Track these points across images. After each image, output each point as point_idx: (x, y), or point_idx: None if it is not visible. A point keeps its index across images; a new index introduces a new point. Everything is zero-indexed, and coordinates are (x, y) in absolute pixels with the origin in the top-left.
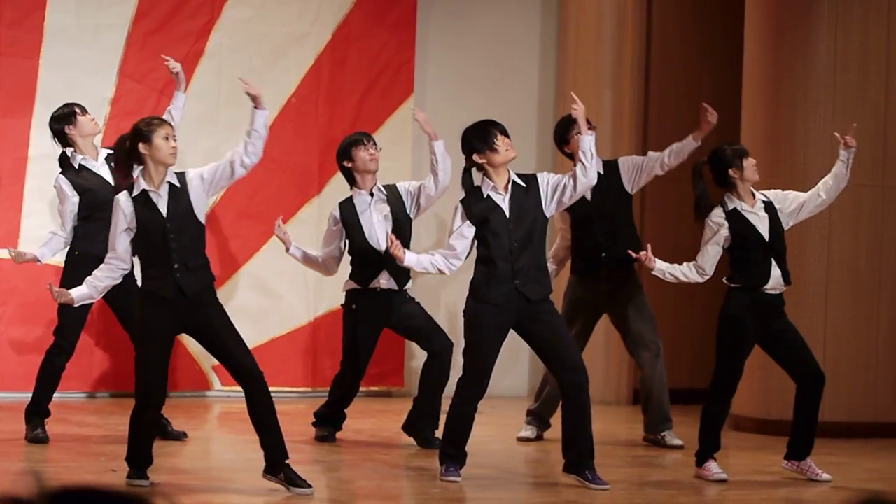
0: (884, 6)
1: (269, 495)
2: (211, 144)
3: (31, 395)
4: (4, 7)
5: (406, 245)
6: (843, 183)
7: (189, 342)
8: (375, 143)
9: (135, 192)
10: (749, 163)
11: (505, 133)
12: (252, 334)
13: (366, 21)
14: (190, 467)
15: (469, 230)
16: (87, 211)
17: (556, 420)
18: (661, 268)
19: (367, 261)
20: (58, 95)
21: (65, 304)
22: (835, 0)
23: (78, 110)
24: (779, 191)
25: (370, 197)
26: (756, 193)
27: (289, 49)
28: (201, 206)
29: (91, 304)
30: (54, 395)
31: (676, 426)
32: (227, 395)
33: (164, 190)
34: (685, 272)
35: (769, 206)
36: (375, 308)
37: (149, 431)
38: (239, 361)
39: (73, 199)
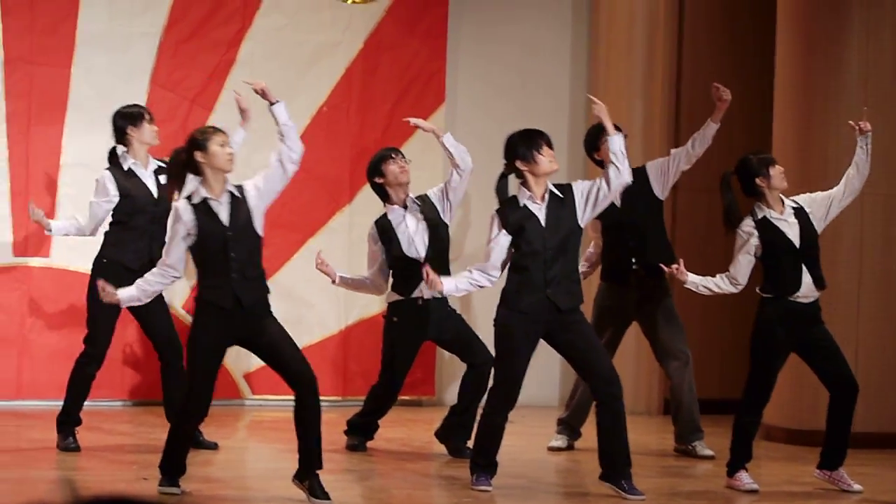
0: None
1: (296, 502)
2: (243, 154)
3: (62, 403)
4: (37, 15)
5: (445, 251)
6: (865, 170)
7: None
8: (404, 156)
9: (195, 200)
10: (776, 171)
11: (550, 144)
12: None
13: (397, 30)
14: (221, 476)
15: (505, 239)
16: (124, 217)
17: (587, 429)
18: (694, 280)
19: (407, 271)
20: (89, 103)
21: (96, 311)
22: (866, 13)
23: (146, 116)
24: (808, 194)
25: (404, 209)
26: (785, 200)
27: (320, 58)
28: (259, 217)
29: (119, 313)
30: (85, 403)
31: (707, 436)
32: (258, 404)
33: (225, 199)
34: (718, 284)
35: (799, 212)
36: (417, 320)
37: (187, 441)
38: (296, 368)
39: (113, 198)
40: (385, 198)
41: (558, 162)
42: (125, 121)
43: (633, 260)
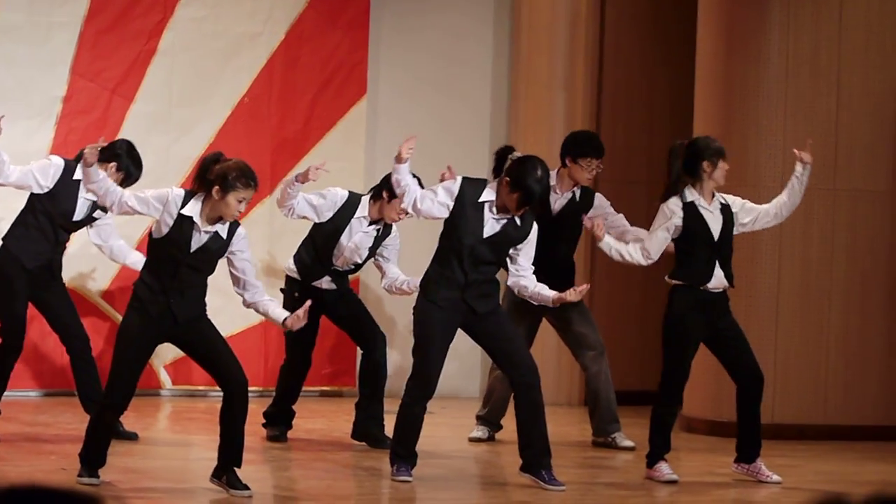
0: (835, 11)
1: (217, 494)
2: (162, 144)
3: None
4: None
5: (357, 269)
6: (797, 199)
7: None
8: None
9: (186, 211)
10: (723, 165)
11: (532, 205)
12: None
13: (319, 21)
14: (140, 467)
15: (443, 206)
16: (37, 215)
17: (508, 421)
18: (609, 242)
19: (320, 262)
20: (10, 93)
21: (6, 301)
22: (786, 5)
23: (133, 172)
24: (738, 198)
25: (368, 225)
26: (716, 194)
27: (241, 49)
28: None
29: (27, 302)
30: (3, 394)
31: (628, 427)
32: (178, 394)
33: (209, 230)
34: (631, 252)
35: (725, 209)
36: (318, 299)
37: (108, 432)
38: (229, 370)
39: (44, 187)
40: (373, 199)
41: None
42: (123, 159)
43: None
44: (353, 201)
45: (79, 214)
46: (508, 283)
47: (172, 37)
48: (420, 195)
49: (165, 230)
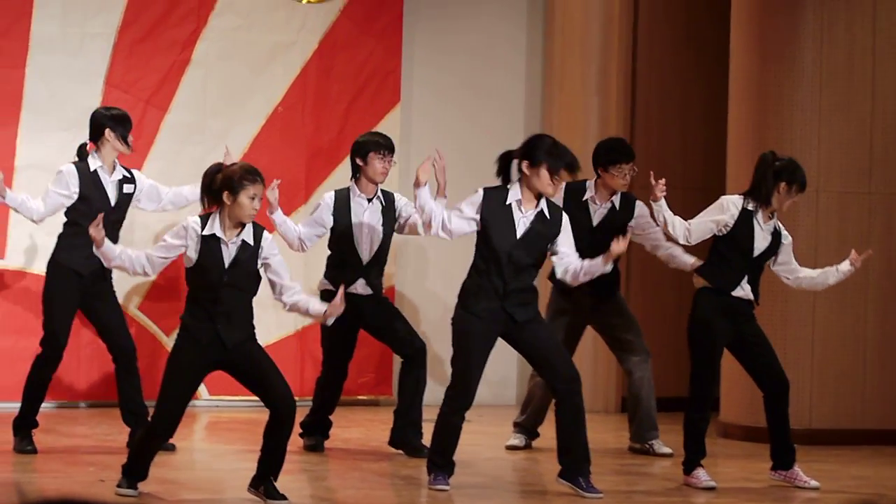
0: (868, 19)
1: None
2: (197, 154)
3: (17, 405)
4: None
5: (384, 255)
6: (822, 286)
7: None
8: (392, 156)
9: (206, 232)
10: (795, 198)
11: (571, 171)
12: None
13: (352, 29)
14: (179, 478)
15: (471, 220)
16: (78, 219)
17: (545, 429)
18: (663, 204)
19: (346, 264)
20: (44, 105)
21: (52, 313)
22: (820, 11)
23: (128, 125)
24: (790, 239)
25: (367, 203)
26: (774, 217)
27: (275, 57)
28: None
29: (74, 315)
30: (42, 405)
31: (665, 434)
32: (215, 404)
33: (236, 241)
34: (676, 225)
35: (776, 235)
36: (352, 308)
37: (152, 452)
38: (278, 393)
39: (73, 195)
40: (355, 176)
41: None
42: (108, 122)
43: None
44: (342, 194)
45: (114, 199)
46: (558, 275)
47: (206, 47)
48: (447, 216)
49: (195, 257)
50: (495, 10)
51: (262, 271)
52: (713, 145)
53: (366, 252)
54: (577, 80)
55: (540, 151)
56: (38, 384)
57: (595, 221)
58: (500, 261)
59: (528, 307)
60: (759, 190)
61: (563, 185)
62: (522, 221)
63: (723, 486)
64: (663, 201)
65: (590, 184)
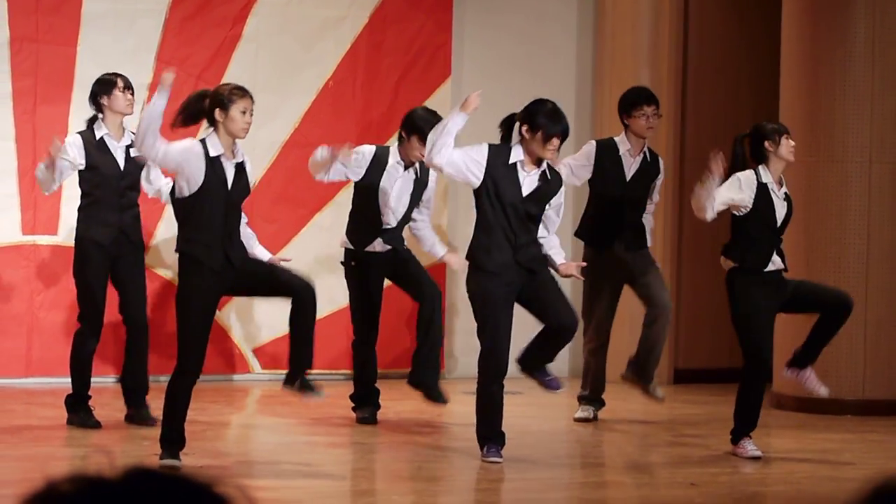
0: None
1: (311, 478)
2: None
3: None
4: None
5: (406, 220)
6: None
7: (230, 326)
8: None
9: (212, 153)
10: (787, 141)
11: (563, 139)
12: None
13: (402, 4)
14: (233, 451)
15: (477, 162)
16: (89, 189)
17: (609, 398)
18: (713, 185)
19: (368, 224)
20: None
21: (84, 286)
22: None
23: (119, 83)
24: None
25: (403, 170)
26: (783, 181)
27: (326, 32)
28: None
29: (106, 285)
30: (92, 380)
31: (716, 405)
32: (267, 378)
33: (233, 163)
34: (701, 194)
35: (788, 198)
36: (375, 261)
37: (183, 405)
38: (290, 281)
39: (77, 164)
40: (400, 143)
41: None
42: (98, 88)
43: (622, 233)
44: (382, 153)
45: (122, 163)
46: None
47: (257, 22)
48: (454, 151)
49: (202, 178)
50: None
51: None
52: (765, 118)
53: (390, 217)
54: (627, 57)
55: (539, 116)
56: (82, 359)
57: (628, 176)
58: (508, 214)
59: (540, 260)
60: (741, 160)
61: (594, 143)
62: (528, 181)
63: (774, 457)
64: (716, 178)
65: (620, 138)
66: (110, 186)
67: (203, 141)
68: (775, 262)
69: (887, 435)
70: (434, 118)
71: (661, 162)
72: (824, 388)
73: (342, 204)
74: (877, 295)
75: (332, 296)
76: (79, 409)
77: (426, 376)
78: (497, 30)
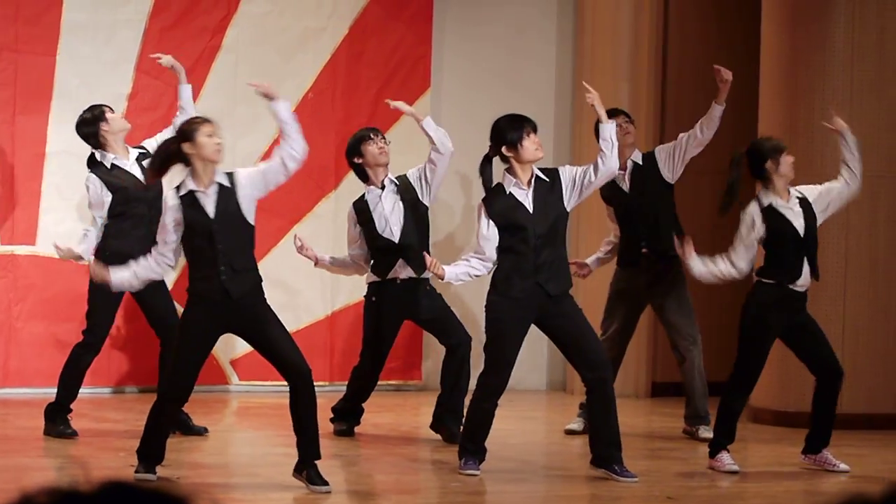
0: None
1: (287, 491)
2: (227, 141)
3: (48, 390)
4: (21, 4)
5: (424, 232)
6: (855, 166)
7: None
8: (384, 136)
9: (182, 192)
10: (786, 159)
11: (536, 130)
12: None
13: (382, 15)
14: (209, 462)
15: (493, 230)
16: (120, 208)
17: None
18: (700, 270)
19: (383, 252)
20: (75, 92)
21: (97, 301)
22: None
23: (104, 108)
24: (812, 186)
25: (381, 189)
26: (791, 189)
27: (305, 43)
28: (250, 206)
29: (119, 303)
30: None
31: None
32: (245, 389)
33: (213, 190)
34: (723, 271)
35: (804, 203)
36: (395, 300)
37: (166, 426)
38: (288, 358)
39: (107, 197)
40: (364, 178)
41: (545, 143)
42: (94, 123)
43: (643, 244)
44: (360, 200)
45: (142, 176)
46: (603, 165)
47: (236, 33)
48: (483, 250)
49: (183, 223)
50: None
51: (258, 182)
52: (744, 127)
53: (396, 234)
54: (607, 67)
55: (506, 131)
56: (76, 372)
57: (626, 188)
58: (527, 235)
59: (561, 279)
60: (736, 188)
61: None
62: (528, 198)
63: (753, 471)
64: (696, 266)
65: None
66: (139, 200)
67: (177, 187)
68: (805, 274)
69: (864, 449)
70: (360, 130)
71: (657, 150)
72: (844, 465)
73: (321, 215)
74: (854, 307)
75: (311, 307)
76: (57, 418)
77: (449, 423)
78: (477, 41)
